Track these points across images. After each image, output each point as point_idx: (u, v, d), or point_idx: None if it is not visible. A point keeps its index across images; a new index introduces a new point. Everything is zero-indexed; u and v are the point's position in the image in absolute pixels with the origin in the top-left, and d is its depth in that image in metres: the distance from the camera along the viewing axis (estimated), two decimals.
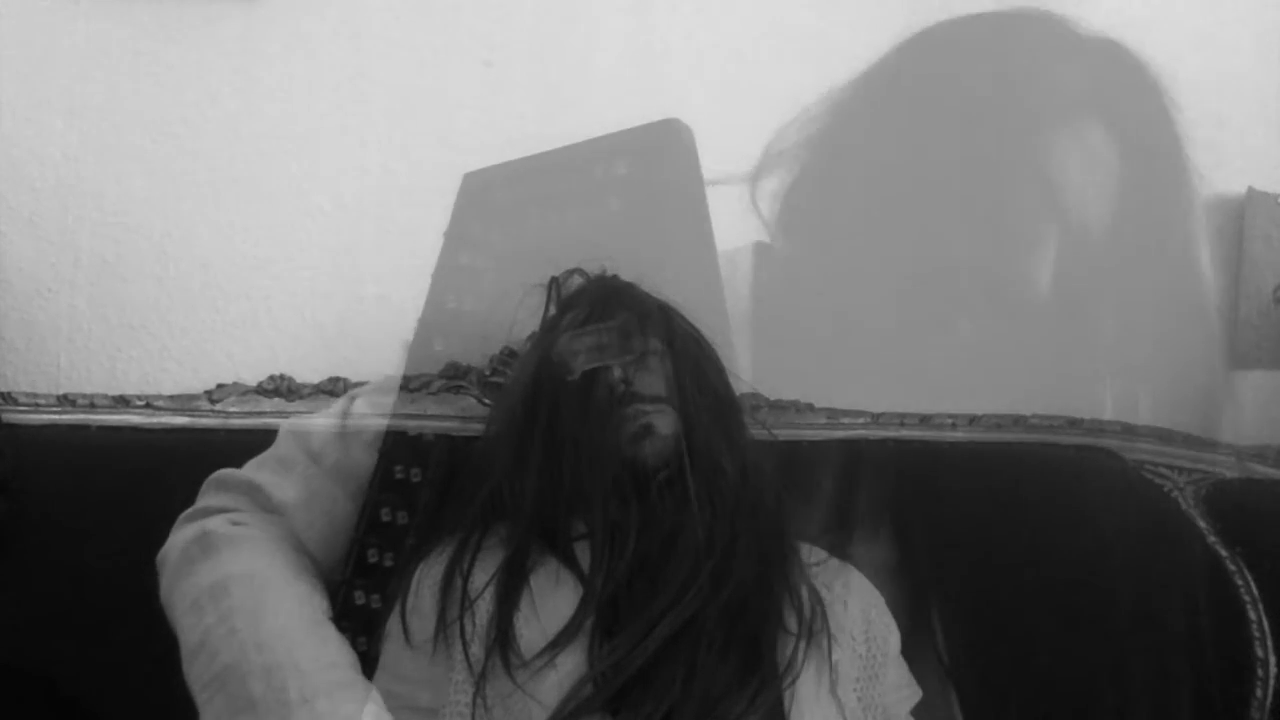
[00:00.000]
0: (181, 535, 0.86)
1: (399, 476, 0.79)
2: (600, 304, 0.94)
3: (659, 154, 1.08)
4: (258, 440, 1.13)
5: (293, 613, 0.80)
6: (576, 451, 0.86)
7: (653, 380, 0.90)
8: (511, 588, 0.83)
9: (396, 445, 0.81)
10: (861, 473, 1.16)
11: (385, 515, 0.77)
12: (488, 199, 1.05)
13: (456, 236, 1.01)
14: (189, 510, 0.89)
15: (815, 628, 0.83)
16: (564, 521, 0.86)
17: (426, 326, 1.20)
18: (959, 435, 1.23)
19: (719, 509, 0.84)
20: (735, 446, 0.91)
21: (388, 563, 0.77)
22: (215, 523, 0.85)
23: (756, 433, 1.02)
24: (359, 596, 0.78)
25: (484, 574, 0.85)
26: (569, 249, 1.01)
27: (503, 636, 0.80)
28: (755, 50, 1.23)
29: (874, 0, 1.24)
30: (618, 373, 0.88)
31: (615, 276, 1.00)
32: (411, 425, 1.15)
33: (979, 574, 1.08)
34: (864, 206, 1.26)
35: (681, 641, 0.77)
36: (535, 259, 1.02)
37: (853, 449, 1.20)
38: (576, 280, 1.00)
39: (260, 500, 0.89)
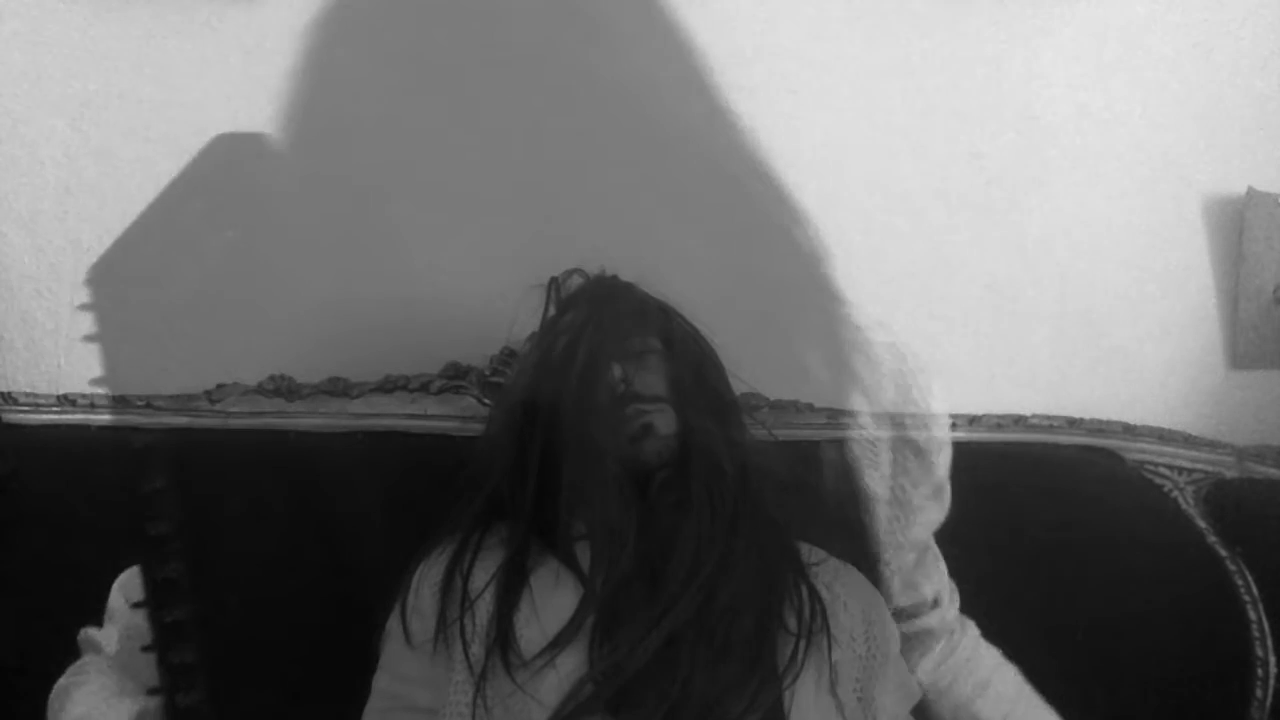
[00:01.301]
0: (52, 692, 0.93)
1: (166, 577, 0.81)
2: (600, 304, 0.94)
3: None
4: (258, 440, 1.13)
5: None
6: (577, 451, 0.85)
7: (653, 380, 0.90)
8: (511, 588, 0.83)
9: (149, 550, 0.83)
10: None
11: (168, 616, 0.79)
12: None
13: None
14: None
15: (815, 628, 0.83)
16: (564, 521, 0.86)
17: (426, 327, 1.20)
18: (959, 435, 1.22)
19: (718, 509, 0.84)
20: (735, 446, 0.91)
21: (190, 657, 0.79)
22: (65, 678, 0.91)
23: (756, 432, 1.02)
24: (180, 699, 0.80)
25: (484, 574, 0.84)
26: None
27: (503, 636, 0.79)
28: (752, 53, 1.23)
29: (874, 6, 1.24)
30: (618, 372, 0.88)
31: (614, 276, 1.00)
32: (412, 425, 1.15)
33: (979, 573, 1.08)
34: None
35: (681, 641, 0.77)
36: None
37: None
38: (576, 280, 1.00)
39: (100, 650, 0.94)
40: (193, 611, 0.79)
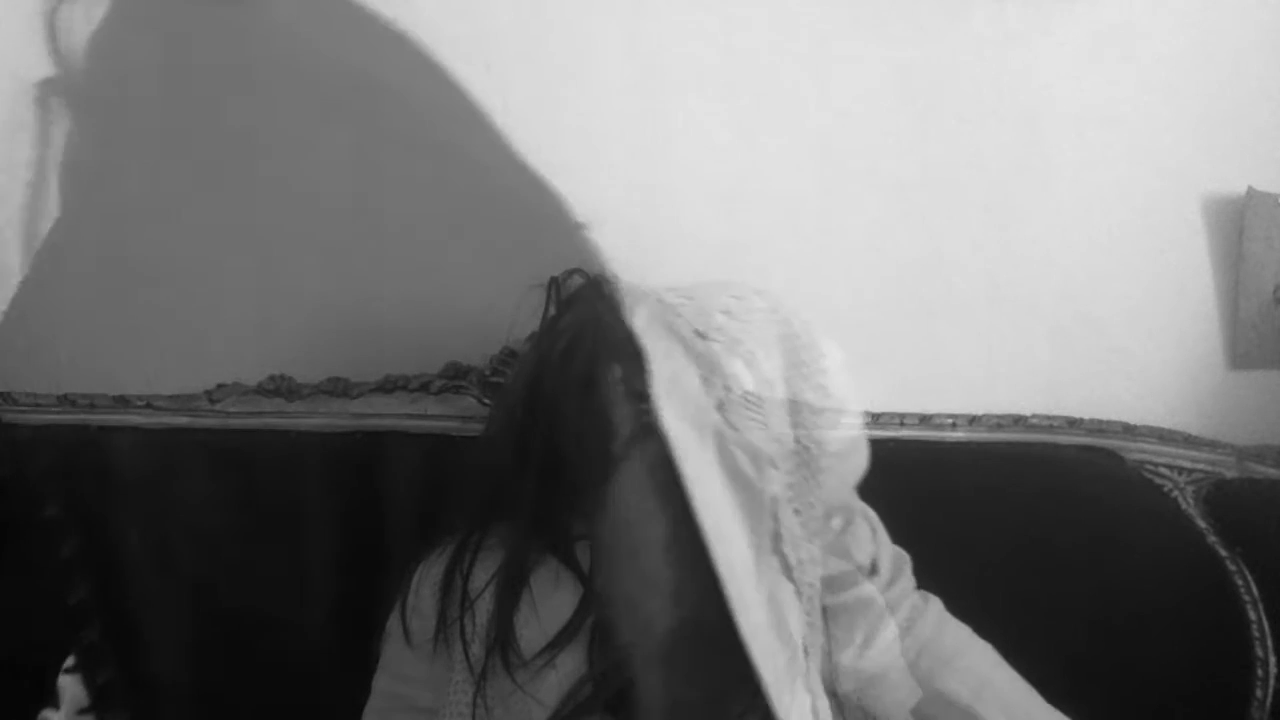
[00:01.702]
0: None
1: (91, 642, 0.84)
2: (600, 304, 0.94)
3: None
4: (258, 440, 1.13)
5: None
6: (577, 451, 0.85)
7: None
8: (511, 588, 0.83)
9: (71, 618, 0.86)
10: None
11: (99, 679, 0.82)
12: None
13: None
14: None
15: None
16: (564, 522, 0.86)
17: (426, 327, 1.20)
18: (959, 435, 1.23)
19: None
20: None
21: (124, 716, 0.83)
22: None
23: None
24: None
25: (484, 574, 0.84)
26: None
27: (503, 636, 0.80)
28: (751, 53, 1.23)
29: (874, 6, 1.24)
30: (618, 372, 0.88)
31: (615, 276, 1.00)
32: (412, 425, 1.15)
33: (979, 573, 1.08)
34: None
35: (681, 641, 0.77)
36: None
37: None
38: (576, 280, 1.00)
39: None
40: (121, 673, 0.80)
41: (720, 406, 0.78)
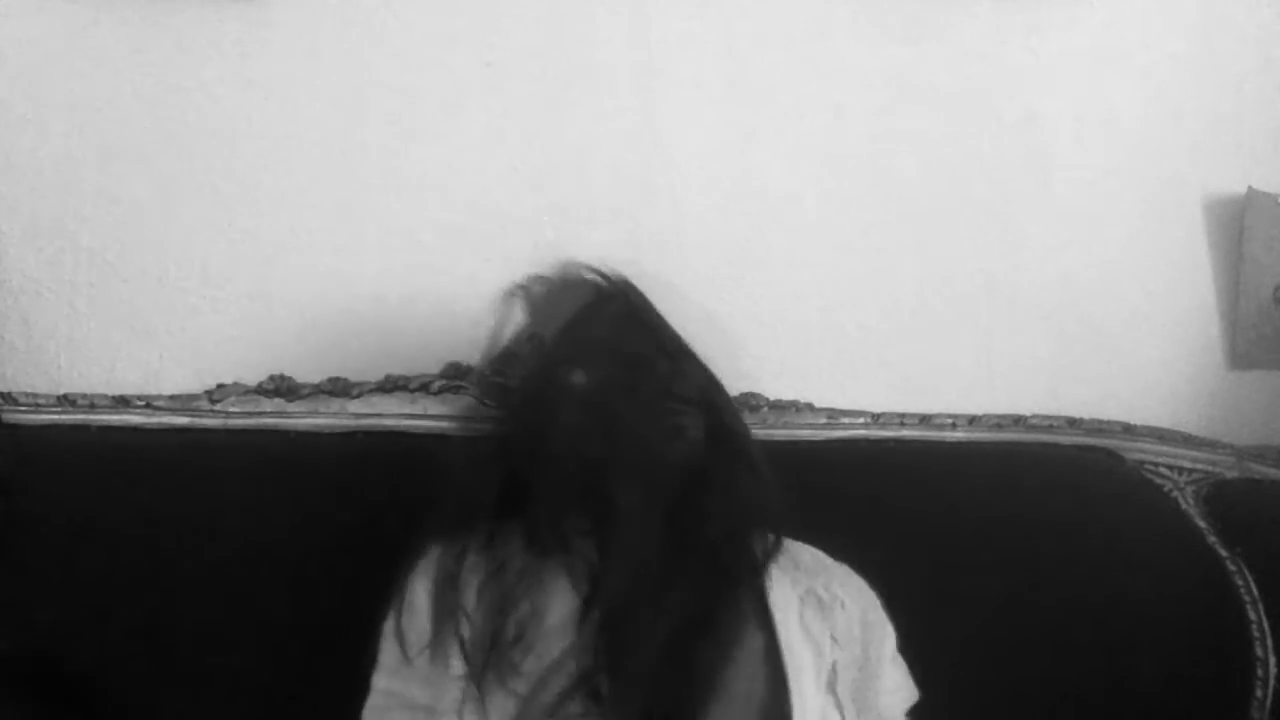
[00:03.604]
0: None
1: None
2: (638, 300, 0.93)
3: None
4: (258, 440, 1.13)
5: None
6: (605, 445, 0.84)
7: (685, 384, 0.90)
8: (511, 584, 0.83)
9: None
10: (862, 473, 1.16)
11: None
12: None
13: None
14: None
15: (814, 627, 0.84)
16: (566, 520, 0.86)
17: (426, 327, 1.20)
18: (959, 435, 1.23)
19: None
20: (756, 463, 0.91)
21: None
22: None
23: (757, 432, 1.02)
24: None
25: (484, 572, 0.84)
26: None
27: (501, 633, 0.80)
28: (751, 52, 1.24)
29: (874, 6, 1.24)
30: (665, 365, 0.88)
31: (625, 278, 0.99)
32: (412, 425, 1.15)
33: (978, 573, 1.08)
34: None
35: (684, 638, 0.78)
36: None
37: (853, 449, 1.21)
38: (586, 281, 0.99)
39: None
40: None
41: (802, 599, 0.87)
